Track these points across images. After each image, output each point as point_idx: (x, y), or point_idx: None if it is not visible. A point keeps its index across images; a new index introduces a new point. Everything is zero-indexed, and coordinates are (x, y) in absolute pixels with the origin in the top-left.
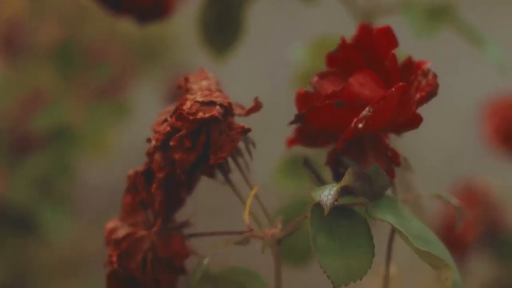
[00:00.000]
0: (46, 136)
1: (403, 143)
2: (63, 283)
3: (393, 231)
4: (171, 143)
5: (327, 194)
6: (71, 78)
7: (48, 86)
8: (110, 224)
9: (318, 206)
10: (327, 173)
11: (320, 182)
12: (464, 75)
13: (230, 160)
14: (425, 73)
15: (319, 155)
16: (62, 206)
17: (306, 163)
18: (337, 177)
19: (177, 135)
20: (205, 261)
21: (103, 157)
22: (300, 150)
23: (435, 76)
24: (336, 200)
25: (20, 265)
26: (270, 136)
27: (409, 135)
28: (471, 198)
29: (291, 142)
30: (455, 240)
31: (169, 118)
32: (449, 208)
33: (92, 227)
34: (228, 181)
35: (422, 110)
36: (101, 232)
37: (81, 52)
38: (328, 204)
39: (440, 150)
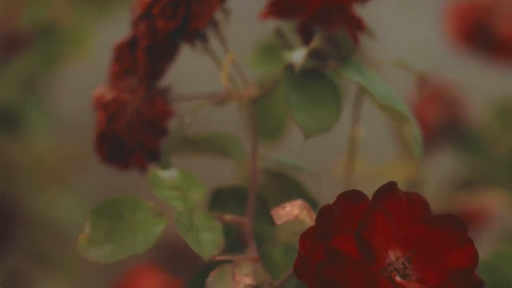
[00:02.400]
0: (32, 35)
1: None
2: (47, 189)
3: (359, 93)
4: (153, 11)
5: (298, 55)
6: None
7: None
8: (98, 91)
9: (290, 67)
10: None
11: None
12: None
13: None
14: None
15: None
16: (47, 106)
17: (279, 32)
18: (307, 44)
19: (159, 4)
20: (186, 119)
21: (88, 56)
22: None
23: None
24: (306, 60)
25: (5, 169)
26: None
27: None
28: (433, 94)
29: (265, 14)
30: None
31: None
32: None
33: (74, 134)
34: (206, 49)
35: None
36: (83, 140)
37: None
38: (299, 63)
39: (404, 42)
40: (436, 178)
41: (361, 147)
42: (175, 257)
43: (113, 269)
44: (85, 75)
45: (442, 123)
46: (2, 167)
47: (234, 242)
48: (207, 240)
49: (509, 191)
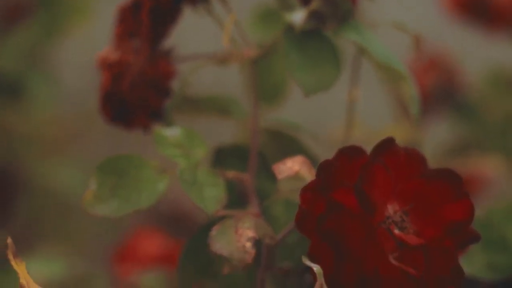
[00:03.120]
0: (33, 4)
1: None
2: (48, 158)
3: (358, 55)
4: None
5: (298, 16)
6: None
7: None
8: (103, 52)
9: (290, 28)
10: None
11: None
12: None
13: None
14: None
15: None
16: (48, 76)
17: None
18: (307, 6)
19: None
20: (188, 79)
21: (89, 25)
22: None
23: None
24: (306, 21)
25: (6, 138)
26: None
27: None
28: (429, 62)
29: None
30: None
31: None
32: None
33: (75, 104)
34: (208, 10)
35: None
36: (83, 113)
37: None
38: (299, 24)
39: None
40: (432, 144)
41: (359, 112)
42: (174, 224)
43: (112, 237)
44: (86, 44)
45: (438, 90)
46: (3, 136)
47: (236, 199)
48: (210, 196)
49: (503, 156)
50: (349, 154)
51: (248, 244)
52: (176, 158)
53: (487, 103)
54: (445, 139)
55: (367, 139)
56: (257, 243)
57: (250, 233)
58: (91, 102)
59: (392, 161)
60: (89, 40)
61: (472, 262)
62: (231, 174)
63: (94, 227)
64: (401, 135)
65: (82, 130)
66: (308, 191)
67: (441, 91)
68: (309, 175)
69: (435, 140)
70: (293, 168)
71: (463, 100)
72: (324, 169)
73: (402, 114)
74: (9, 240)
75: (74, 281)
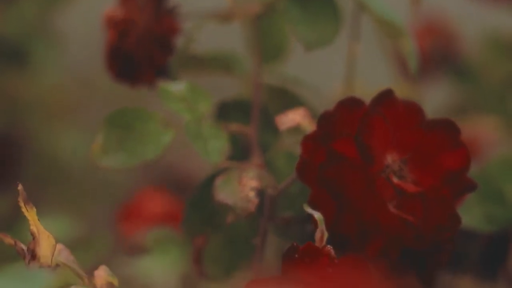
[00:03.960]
0: None
1: None
2: (53, 124)
3: (358, 11)
4: None
5: None
6: None
7: None
8: (109, 10)
9: None
10: None
11: None
12: None
13: None
14: None
15: None
16: (54, 42)
17: None
18: None
19: None
20: (192, 35)
21: None
22: None
23: None
24: None
25: (11, 103)
26: None
27: None
28: (428, 26)
29: None
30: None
31: None
32: None
33: (80, 70)
34: None
35: None
36: (87, 80)
37: None
38: None
39: None
40: (430, 107)
41: (358, 73)
42: (176, 188)
43: (115, 201)
44: (90, 12)
45: (435, 54)
46: (8, 101)
47: (240, 153)
48: (214, 148)
49: (501, 119)
50: (349, 105)
51: (252, 194)
52: (181, 112)
53: (486, 66)
54: (443, 102)
55: (366, 97)
56: (260, 193)
57: (253, 183)
58: (94, 70)
59: (390, 112)
60: (93, 8)
61: (470, 214)
62: (234, 127)
63: (98, 192)
64: (399, 93)
65: (85, 98)
66: (309, 140)
67: (439, 55)
68: (310, 127)
69: (433, 103)
70: (294, 120)
71: (461, 64)
72: (324, 119)
73: (400, 72)
74: (20, 187)
75: (79, 242)
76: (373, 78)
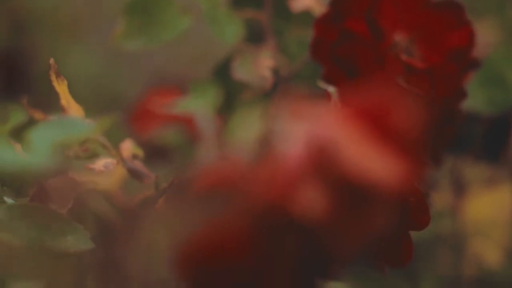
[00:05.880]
0: None
1: None
2: (60, 42)
3: None
4: None
5: None
6: None
7: None
8: None
9: None
10: None
11: None
12: None
13: None
14: None
15: None
16: None
17: None
18: None
19: None
20: None
21: None
22: None
23: None
24: None
25: (16, 21)
26: None
27: None
28: None
29: None
30: None
31: None
32: None
33: None
34: None
35: None
36: None
37: None
38: None
39: None
40: None
41: None
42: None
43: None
44: None
45: None
46: (14, 19)
47: (254, 38)
48: (230, 31)
49: (498, 22)
50: None
51: (267, 72)
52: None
53: None
54: None
55: None
56: (275, 75)
57: (269, 62)
58: None
59: None
60: None
61: (472, 98)
62: (249, 12)
63: (108, 99)
64: None
65: (94, 14)
66: (322, 21)
67: None
68: (321, 11)
69: None
70: (307, 3)
71: None
72: (336, 0)
73: None
74: (52, 61)
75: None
76: None
